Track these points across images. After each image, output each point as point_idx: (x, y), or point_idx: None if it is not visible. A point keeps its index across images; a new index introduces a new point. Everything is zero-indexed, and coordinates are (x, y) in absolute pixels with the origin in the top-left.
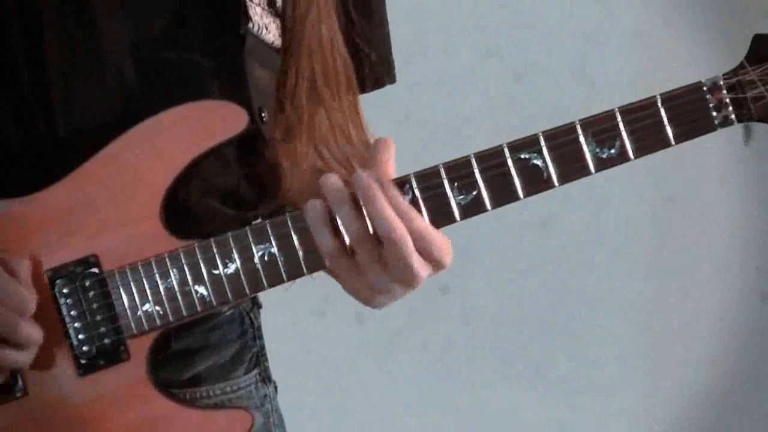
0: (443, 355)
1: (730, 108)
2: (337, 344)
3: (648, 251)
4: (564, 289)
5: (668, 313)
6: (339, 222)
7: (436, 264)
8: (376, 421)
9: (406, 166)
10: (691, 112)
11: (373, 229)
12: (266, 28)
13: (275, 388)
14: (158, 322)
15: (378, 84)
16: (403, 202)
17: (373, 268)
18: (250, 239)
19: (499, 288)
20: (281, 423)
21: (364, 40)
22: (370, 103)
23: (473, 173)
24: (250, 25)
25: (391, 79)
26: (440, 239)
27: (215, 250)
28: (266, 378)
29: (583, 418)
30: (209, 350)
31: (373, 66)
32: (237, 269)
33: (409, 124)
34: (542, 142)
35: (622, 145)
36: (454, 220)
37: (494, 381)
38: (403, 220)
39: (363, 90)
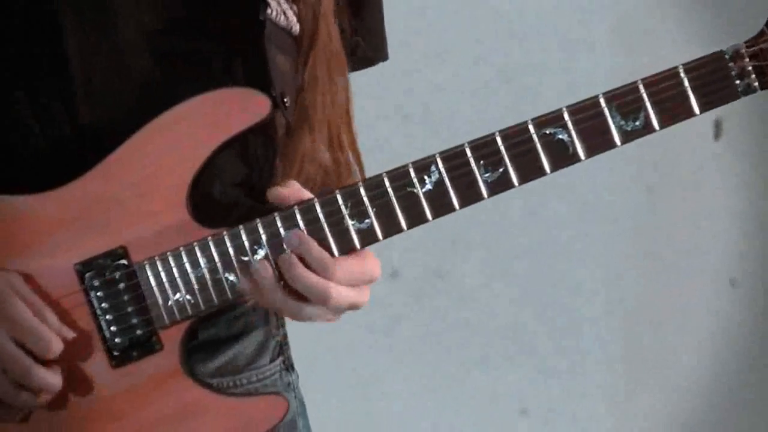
0: (441, 338)
1: (753, 76)
2: (338, 332)
3: (627, 240)
4: (552, 275)
5: (644, 299)
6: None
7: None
8: (379, 402)
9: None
10: (714, 81)
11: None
12: (285, 14)
13: (297, 376)
14: (190, 311)
15: (370, 63)
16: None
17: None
18: (279, 225)
19: (491, 274)
20: (304, 411)
21: (355, 20)
22: (370, 103)
23: (499, 150)
24: (269, 11)
25: (383, 57)
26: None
27: (244, 237)
28: (290, 366)
29: (568, 398)
30: (234, 339)
31: (364, 45)
32: (266, 255)
33: (409, 124)
34: (567, 117)
35: (647, 117)
36: (481, 198)
37: (486, 362)
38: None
39: (353, 68)
